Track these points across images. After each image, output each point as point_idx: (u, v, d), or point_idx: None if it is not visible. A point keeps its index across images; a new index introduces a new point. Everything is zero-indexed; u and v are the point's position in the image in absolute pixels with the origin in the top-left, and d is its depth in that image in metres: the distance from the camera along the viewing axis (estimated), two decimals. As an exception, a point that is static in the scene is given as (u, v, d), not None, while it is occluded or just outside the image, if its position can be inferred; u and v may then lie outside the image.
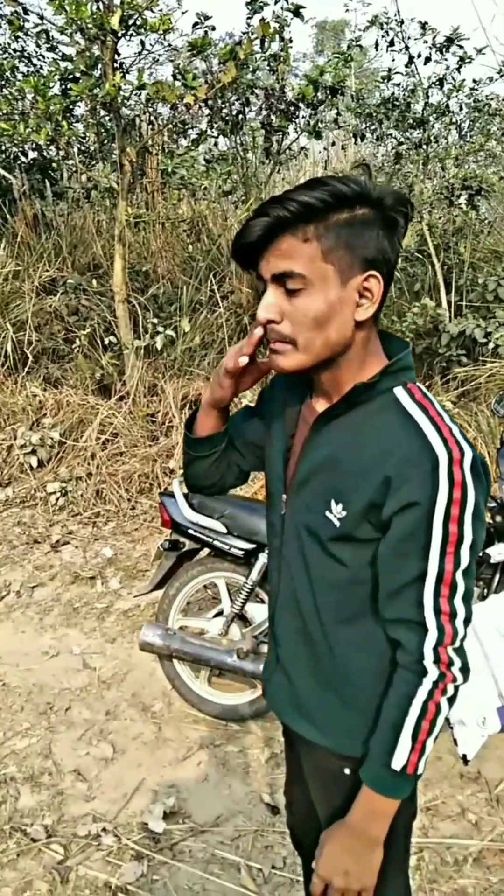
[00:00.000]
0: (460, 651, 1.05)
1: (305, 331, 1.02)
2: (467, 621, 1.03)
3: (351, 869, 1.10)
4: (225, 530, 2.46)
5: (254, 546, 2.43)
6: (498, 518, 2.33)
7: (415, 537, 1.00)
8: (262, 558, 2.43)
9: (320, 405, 1.14)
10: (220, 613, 2.67)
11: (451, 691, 1.05)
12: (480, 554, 1.69)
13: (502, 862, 2.05)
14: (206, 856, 2.09)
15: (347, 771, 1.17)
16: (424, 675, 1.04)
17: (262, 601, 2.56)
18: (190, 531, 2.51)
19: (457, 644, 1.04)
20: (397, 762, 1.05)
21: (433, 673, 1.03)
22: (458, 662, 1.04)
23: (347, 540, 1.07)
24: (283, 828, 2.15)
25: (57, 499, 4.27)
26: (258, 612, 2.54)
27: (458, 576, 1.01)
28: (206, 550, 2.61)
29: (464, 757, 2.03)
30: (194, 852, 2.10)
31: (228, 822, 2.21)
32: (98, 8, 3.88)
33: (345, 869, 1.10)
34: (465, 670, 1.05)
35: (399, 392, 1.05)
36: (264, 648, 2.44)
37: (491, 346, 4.30)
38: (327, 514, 1.07)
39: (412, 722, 1.04)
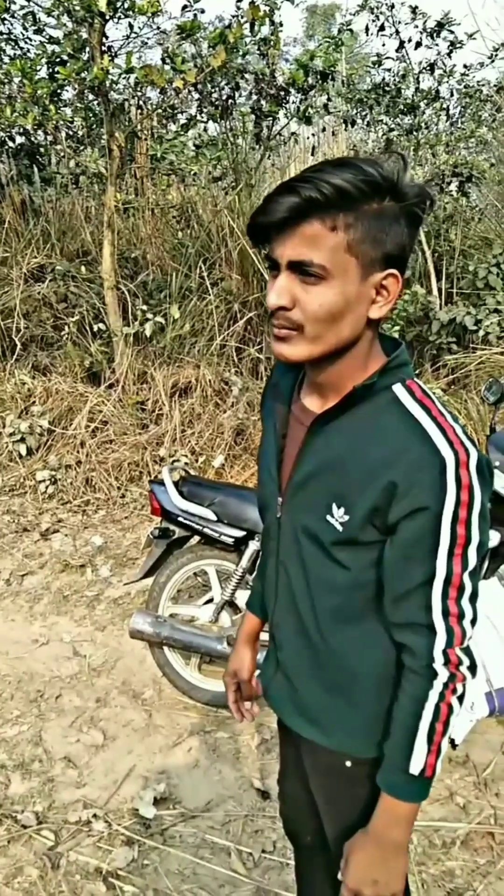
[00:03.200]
0: (468, 650, 1.04)
1: (317, 322, 0.97)
2: (474, 621, 1.03)
3: (379, 877, 1.08)
4: (215, 518, 2.46)
5: (244, 533, 2.43)
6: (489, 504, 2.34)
7: (423, 541, 0.98)
8: (252, 545, 2.43)
9: (313, 404, 1.11)
10: (210, 601, 2.67)
11: (460, 690, 1.04)
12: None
13: (489, 844, 2.08)
14: (196, 841, 2.10)
15: (349, 763, 1.17)
16: (435, 678, 1.02)
17: (252, 588, 2.56)
18: (180, 519, 2.51)
19: (465, 644, 1.03)
20: (415, 766, 1.04)
21: (443, 675, 1.02)
22: (466, 661, 1.03)
23: (350, 544, 1.05)
24: (273, 812, 2.16)
25: (46, 487, 4.25)
26: (248, 600, 2.55)
27: (466, 577, 1.00)
28: (196, 538, 2.61)
29: (452, 741, 2.05)
30: (185, 837, 2.11)
31: (219, 808, 2.22)
32: (85, -11, 3.82)
33: (373, 878, 1.09)
34: (472, 668, 1.04)
35: (399, 390, 1.02)
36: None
37: (481, 333, 4.31)
38: (328, 517, 1.05)
39: (426, 725, 1.03)
